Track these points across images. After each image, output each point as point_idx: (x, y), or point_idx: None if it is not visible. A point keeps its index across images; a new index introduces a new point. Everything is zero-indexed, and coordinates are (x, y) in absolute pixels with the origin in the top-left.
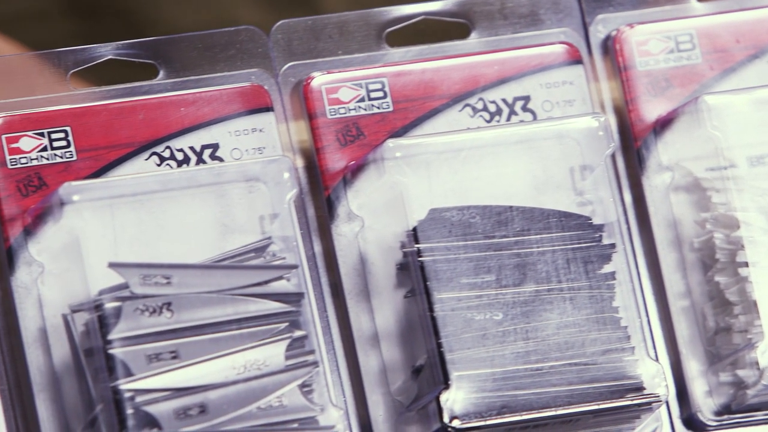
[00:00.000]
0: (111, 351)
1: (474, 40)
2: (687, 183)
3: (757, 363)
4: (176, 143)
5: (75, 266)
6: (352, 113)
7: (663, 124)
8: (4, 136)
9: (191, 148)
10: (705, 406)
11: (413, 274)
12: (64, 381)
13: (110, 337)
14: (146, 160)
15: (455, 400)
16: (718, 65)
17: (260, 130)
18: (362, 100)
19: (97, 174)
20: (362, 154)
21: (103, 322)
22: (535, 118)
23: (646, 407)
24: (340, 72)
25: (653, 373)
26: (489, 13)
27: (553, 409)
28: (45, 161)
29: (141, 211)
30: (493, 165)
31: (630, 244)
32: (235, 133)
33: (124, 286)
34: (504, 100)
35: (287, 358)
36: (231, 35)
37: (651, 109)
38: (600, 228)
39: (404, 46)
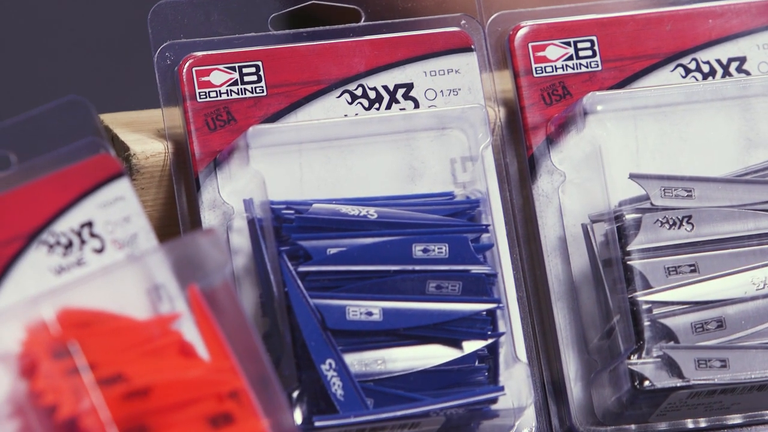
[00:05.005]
0: (629, 262)
1: None
2: None
3: None
4: (702, 56)
5: (596, 176)
6: None
7: None
8: (531, 44)
9: (717, 60)
10: None
11: None
12: (582, 290)
13: (629, 248)
14: (671, 71)
15: None
16: None
17: None
18: None
19: (621, 84)
20: None
21: (622, 233)
22: None
23: None
24: None
25: None
26: None
27: None
28: (570, 71)
29: (664, 122)
30: None
31: None
32: (763, 47)
33: (644, 198)
34: None
35: None
36: None
37: None
38: None
39: None
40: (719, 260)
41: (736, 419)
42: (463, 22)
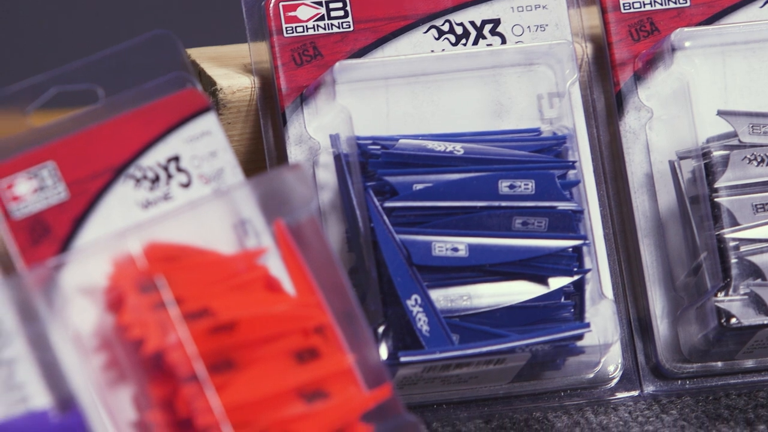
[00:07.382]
0: (717, 199)
1: None
2: None
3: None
4: None
5: (683, 113)
6: None
7: None
8: None
9: None
10: None
11: None
12: (669, 227)
13: (717, 185)
14: (761, 8)
15: None
16: None
17: None
18: None
19: (710, 20)
20: None
21: (709, 170)
22: None
23: None
24: None
25: None
26: None
27: None
28: (658, 6)
29: (753, 59)
30: None
31: None
32: None
33: (732, 135)
34: None
35: None
36: None
37: None
38: None
39: None
40: None
41: None
42: None
